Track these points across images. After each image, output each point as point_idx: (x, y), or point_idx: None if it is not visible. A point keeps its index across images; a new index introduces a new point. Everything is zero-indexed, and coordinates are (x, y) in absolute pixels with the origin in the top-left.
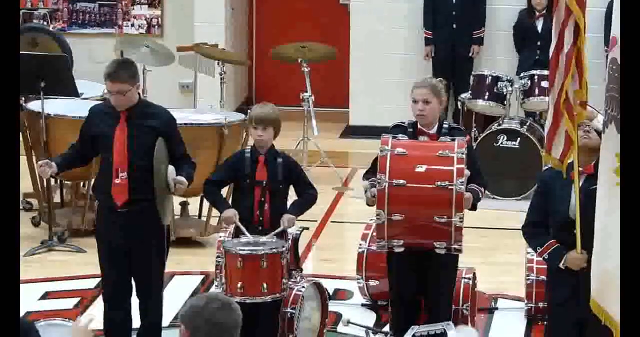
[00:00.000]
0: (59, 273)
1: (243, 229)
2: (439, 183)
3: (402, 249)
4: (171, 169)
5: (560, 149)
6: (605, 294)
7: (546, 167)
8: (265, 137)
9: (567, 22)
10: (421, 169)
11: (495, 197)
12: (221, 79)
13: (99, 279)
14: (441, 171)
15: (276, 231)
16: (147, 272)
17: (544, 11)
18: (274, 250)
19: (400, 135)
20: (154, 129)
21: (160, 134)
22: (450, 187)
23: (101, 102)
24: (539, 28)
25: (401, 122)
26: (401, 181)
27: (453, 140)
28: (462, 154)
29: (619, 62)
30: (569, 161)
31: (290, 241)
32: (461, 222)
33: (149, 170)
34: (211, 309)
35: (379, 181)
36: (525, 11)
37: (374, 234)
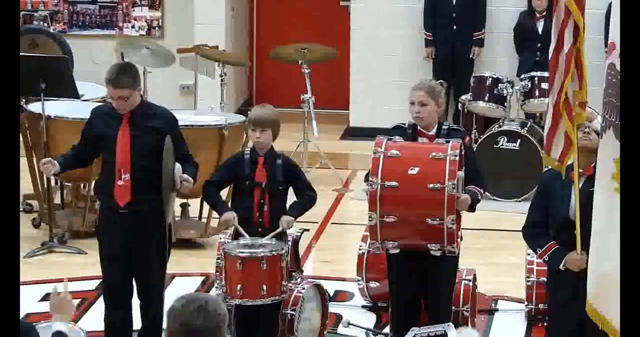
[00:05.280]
0: (59, 275)
1: (242, 231)
2: (431, 185)
3: (397, 250)
4: (178, 166)
5: (560, 150)
6: (604, 299)
7: (547, 169)
8: (263, 139)
9: (566, 22)
10: (414, 171)
11: (496, 198)
12: (221, 80)
13: (100, 281)
14: (433, 173)
15: (274, 232)
16: (148, 272)
17: (544, 13)
18: (274, 252)
19: (397, 137)
20: (156, 129)
21: (163, 134)
22: (442, 189)
23: (103, 103)
24: (539, 29)
25: (401, 124)
26: (393, 183)
27: (447, 142)
28: (455, 156)
29: (617, 68)
30: (569, 162)
31: (290, 243)
32: (452, 224)
33: (152, 170)
34: (186, 312)
35: (371, 182)
36: (525, 13)
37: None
